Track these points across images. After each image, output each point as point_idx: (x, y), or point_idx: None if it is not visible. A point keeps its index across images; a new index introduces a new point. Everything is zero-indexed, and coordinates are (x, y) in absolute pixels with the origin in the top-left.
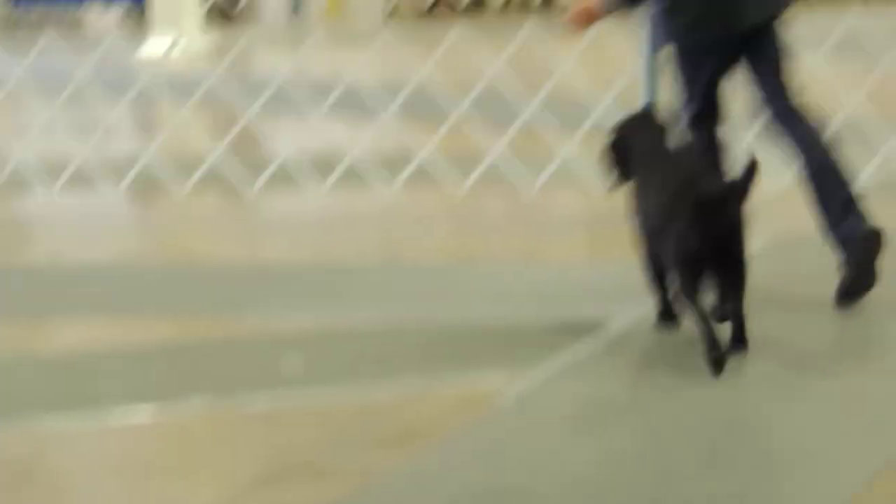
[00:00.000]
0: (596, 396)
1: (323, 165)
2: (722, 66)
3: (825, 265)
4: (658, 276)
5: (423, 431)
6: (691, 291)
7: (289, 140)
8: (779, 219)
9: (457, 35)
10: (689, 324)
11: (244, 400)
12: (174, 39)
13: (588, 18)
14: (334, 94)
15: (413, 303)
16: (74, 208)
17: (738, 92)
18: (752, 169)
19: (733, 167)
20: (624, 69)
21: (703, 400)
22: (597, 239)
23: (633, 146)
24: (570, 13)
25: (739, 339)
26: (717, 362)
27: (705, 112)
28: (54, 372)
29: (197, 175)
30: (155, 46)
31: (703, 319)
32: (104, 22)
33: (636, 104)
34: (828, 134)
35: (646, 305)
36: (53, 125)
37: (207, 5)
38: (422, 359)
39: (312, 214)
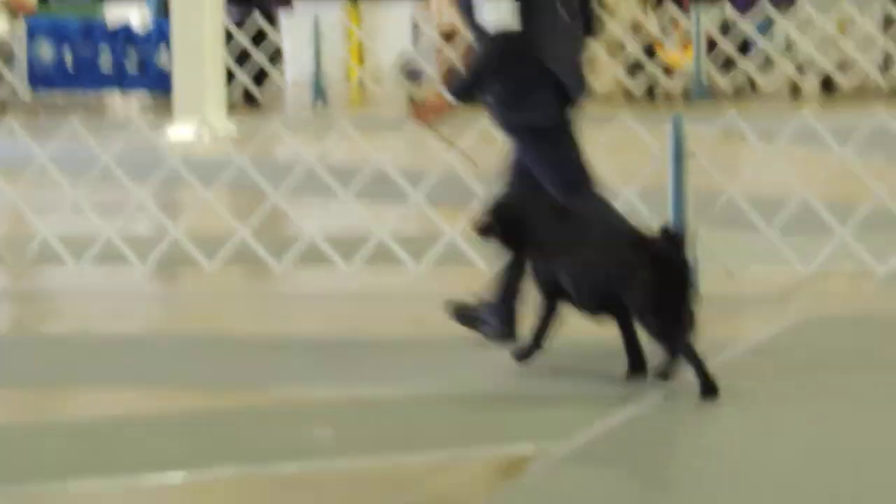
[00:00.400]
0: (628, 468)
1: (350, 245)
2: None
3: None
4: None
5: (453, 500)
6: (675, 333)
7: (315, 221)
8: (808, 301)
9: (480, 125)
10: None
11: (272, 468)
12: (198, 125)
13: (437, 111)
14: (360, 177)
15: (442, 375)
16: (101, 282)
17: None
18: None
19: None
20: (648, 159)
21: (736, 476)
22: None
23: (529, 218)
24: (418, 108)
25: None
26: (712, 390)
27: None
28: (82, 438)
29: (223, 252)
30: (179, 131)
31: (696, 356)
32: (126, 106)
33: (663, 192)
34: None
35: (681, 375)
36: (80, 205)
37: (231, 93)
38: (451, 428)
39: (340, 291)
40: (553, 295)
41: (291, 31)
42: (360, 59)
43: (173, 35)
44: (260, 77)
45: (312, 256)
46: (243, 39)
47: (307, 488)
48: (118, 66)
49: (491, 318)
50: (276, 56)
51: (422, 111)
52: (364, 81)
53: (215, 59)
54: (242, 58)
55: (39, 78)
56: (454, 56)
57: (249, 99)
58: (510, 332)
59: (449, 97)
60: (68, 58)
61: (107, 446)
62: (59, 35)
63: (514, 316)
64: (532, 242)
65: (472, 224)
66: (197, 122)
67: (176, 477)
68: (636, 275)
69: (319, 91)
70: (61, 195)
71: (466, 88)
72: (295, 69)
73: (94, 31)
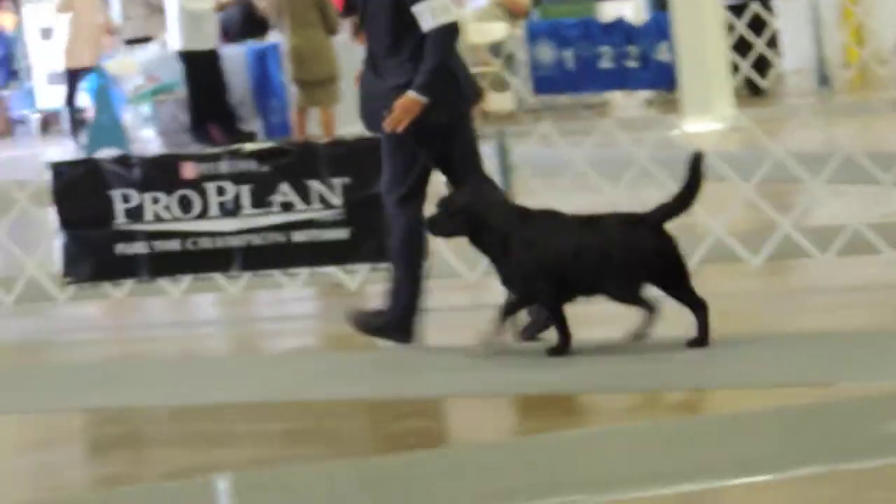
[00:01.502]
0: None
1: (889, 233)
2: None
3: None
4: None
5: None
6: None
7: (854, 209)
8: None
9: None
10: None
11: (852, 464)
12: (712, 117)
13: (407, 112)
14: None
15: None
16: None
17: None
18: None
19: None
20: None
21: None
22: None
23: (488, 216)
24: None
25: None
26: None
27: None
28: (670, 438)
29: (766, 246)
30: (693, 126)
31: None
32: (628, 104)
33: None
34: None
35: None
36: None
37: (735, 83)
38: None
39: (885, 281)
40: (532, 288)
41: (788, 16)
42: (860, 41)
43: (676, 29)
44: (759, 64)
45: (854, 247)
46: (742, 27)
47: (890, 485)
48: (618, 63)
49: (389, 319)
50: (772, 42)
51: (394, 116)
52: (867, 64)
53: (718, 49)
54: (740, 46)
55: (542, 81)
56: None
57: (751, 88)
58: (407, 333)
59: (417, 96)
60: (569, 59)
61: (690, 445)
62: (558, 36)
63: (413, 314)
64: (497, 239)
65: (427, 220)
66: (709, 114)
67: (761, 476)
68: (635, 252)
69: (823, 77)
70: (596, 197)
71: (433, 84)
72: (794, 55)
73: (591, 30)
